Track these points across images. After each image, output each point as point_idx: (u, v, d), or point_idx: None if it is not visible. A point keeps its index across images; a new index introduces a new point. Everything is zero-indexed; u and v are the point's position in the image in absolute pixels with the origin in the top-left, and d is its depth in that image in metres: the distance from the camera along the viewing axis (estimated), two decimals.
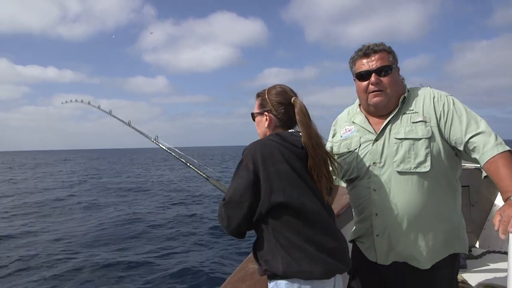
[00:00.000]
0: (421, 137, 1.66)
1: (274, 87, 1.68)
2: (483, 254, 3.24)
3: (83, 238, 9.66)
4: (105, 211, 13.66)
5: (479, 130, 1.61)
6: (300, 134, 1.57)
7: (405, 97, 1.77)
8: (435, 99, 1.72)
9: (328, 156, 1.61)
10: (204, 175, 2.47)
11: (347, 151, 1.85)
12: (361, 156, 1.78)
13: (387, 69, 1.73)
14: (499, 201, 3.62)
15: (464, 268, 2.94)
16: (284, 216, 1.44)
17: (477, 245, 3.61)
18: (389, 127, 1.74)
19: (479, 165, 1.64)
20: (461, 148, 1.65)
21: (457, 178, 1.76)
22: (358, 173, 1.79)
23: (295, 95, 1.65)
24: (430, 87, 1.84)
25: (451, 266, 1.75)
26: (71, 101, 4.10)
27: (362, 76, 1.77)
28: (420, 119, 1.69)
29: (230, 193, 1.50)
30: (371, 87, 1.75)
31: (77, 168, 44.15)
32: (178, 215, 12.48)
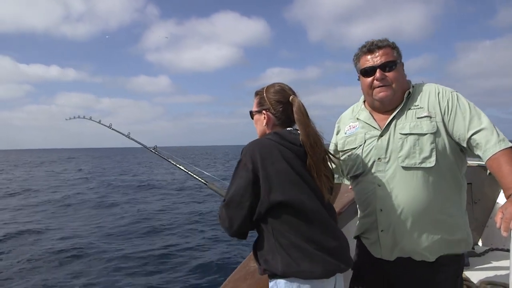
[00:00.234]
0: (426, 132, 1.66)
1: (272, 85, 1.68)
2: (486, 251, 3.23)
3: (103, 233, 9.94)
4: (121, 208, 13.92)
5: (481, 127, 1.61)
6: (299, 132, 1.56)
7: (410, 92, 1.77)
8: (440, 95, 1.72)
9: (327, 154, 1.60)
10: (202, 180, 2.50)
11: (352, 147, 1.85)
12: (366, 152, 1.78)
13: (392, 64, 1.74)
14: (501, 199, 3.61)
15: (467, 265, 2.93)
16: (284, 216, 1.44)
17: (479, 243, 3.60)
18: (394, 122, 1.74)
19: (481, 163, 1.64)
20: (464, 144, 1.65)
21: (462, 174, 1.76)
22: (363, 169, 1.79)
23: (294, 93, 1.64)
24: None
25: (456, 263, 1.74)
26: (74, 117, 4.42)
27: (367, 72, 1.77)
28: (425, 114, 1.69)
29: (230, 193, 1.49)
30: (376, 83, 1.75)
31: (85, 166, 44.37)
32: (191, 212, 12.69)
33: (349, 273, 1.79)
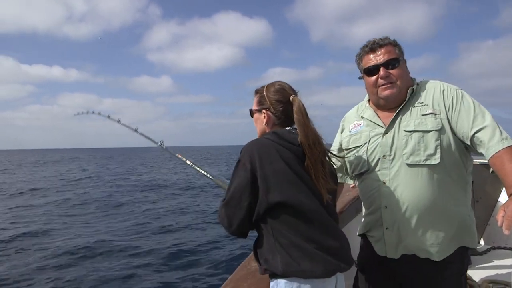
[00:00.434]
0: (430, 129, 1.66)
1: (273, 84, 1.67)
2: (488, 250, 3.22)
3: (115, 231, 10.12)
4: (129, 207, 14.07)
5: (485, 124, 1.61)
6: (298, 131, 1.55)
7: (413, 89, 1.77)
8: (445, 92, 1.72)
9: (326, 155, 1.60)
10: (208, 175, 2.49)
11: (357, 145, 1.86)
12: (371, 150, 1.78)
13: (395, 61, 1.74)
14: (503, 197, 3.60)
15: (469, 264, 2.93)
16: (283, 216, 1.44)
17: (481, 241, 3.59)
18: (398, 119, 1.75)
19: (483, 161, 1.64)
20: (468, 142, 1.65)
21: (468, 171, 1.76)
22: (368, 167, 1.79)
23: (294, 92, 1.64)
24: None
25: (460, 261, 1.75)
26: (82, 112, 4.34)
27: (371, 71, 1.78)
28: (430, 111, 1.69)
29: (229, 193, 1.50)
30: (381, 81, 1.76)
31: (89, 166, 44.56)
32: (201, 210, 12.90)
33: (353, 271, 1.79)
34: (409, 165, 1.68)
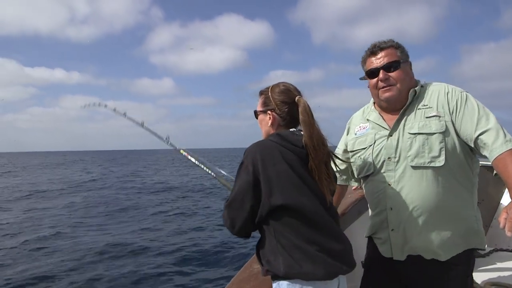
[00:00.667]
0: (434, 131, 1.67)
1: (277, 85, 1.66)
2: (490, 252, 3.21)
3: (127, 232, 10.25)
4: (139, 209, 14.12)
5: (489, 127, 1.61)
6: (302, 133, 1.55)
7: (415, 91, 1.78)
8: (449, 94, 1.73)
9: (330, 157, 1.59)
10: (213, 174, 2.47)
11: (362, 147, 1.87)
12: (376, 152, 1.80)
13: (395, 64, 1.77)
14: (505, 199, 3.58)
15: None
16: (285, 218, 1.44)
17: None
18: (402, 122, 1.76)
19: (485, 163, 1.64)
20: (472, 144, 1.65)
21: (474, 172, 1.76)
22: (373, 169, 1.81)
23: (299, 93, 1.63)
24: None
25: (466, 262, 1.75)
26: (89, 105, 4.26)
27: (372, 73, 1.82)
28: (434, 114, 1.70)
29: (232, 195, 1.50)
30: (380, 83, 1.79)
31: (94, 168, 44.56)
32: (213, 212, 12.95)
33: (356, 273, 1.80)
34: (413, 167, 1.69)
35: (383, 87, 1.79)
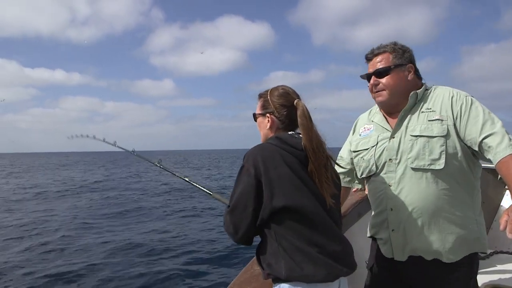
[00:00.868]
0: (436, 135, 1.69)
1: (276, 88, 1.67)
2: (490, 254, 3.20)
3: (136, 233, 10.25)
4: (147, 210, 14.15)
5: (494, 131, 1.62)
6: (301, 136, 1.55)
7: (417, 93, 1.80)
8: (454, 99, 1.74)
9: (330, 159, 1.60)
10: (206, 190, 2.56)
11: (365, 148, 1.90)
12: (379, 153, 1.82)
13: (386, 69, 1.80)
14: (506, 202, 3.58)
15: None
16: (286, 220, 1.44)
17: None
18: (405, 124, 1.78)
19: (486, 165, 1.64)
20: (476, 148, 1.66)
21: (476, 176, 1.77)
22: (375, 170, 1.84)
23: (298, 97, 1.64)
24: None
25: (469, 265, 1.75)
26: (76, 136, 4.60)
27: (367, 77, 1.88)
28: (437, 117, 1.72)
29: (234, 199, 1.49)
30: (372, 89, 1.86)
31: (97, 169, 44.46)
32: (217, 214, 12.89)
33: (357, 275, 1.82)
34: (413, 169, 1.71)
35: (375, 92, 1.86)
